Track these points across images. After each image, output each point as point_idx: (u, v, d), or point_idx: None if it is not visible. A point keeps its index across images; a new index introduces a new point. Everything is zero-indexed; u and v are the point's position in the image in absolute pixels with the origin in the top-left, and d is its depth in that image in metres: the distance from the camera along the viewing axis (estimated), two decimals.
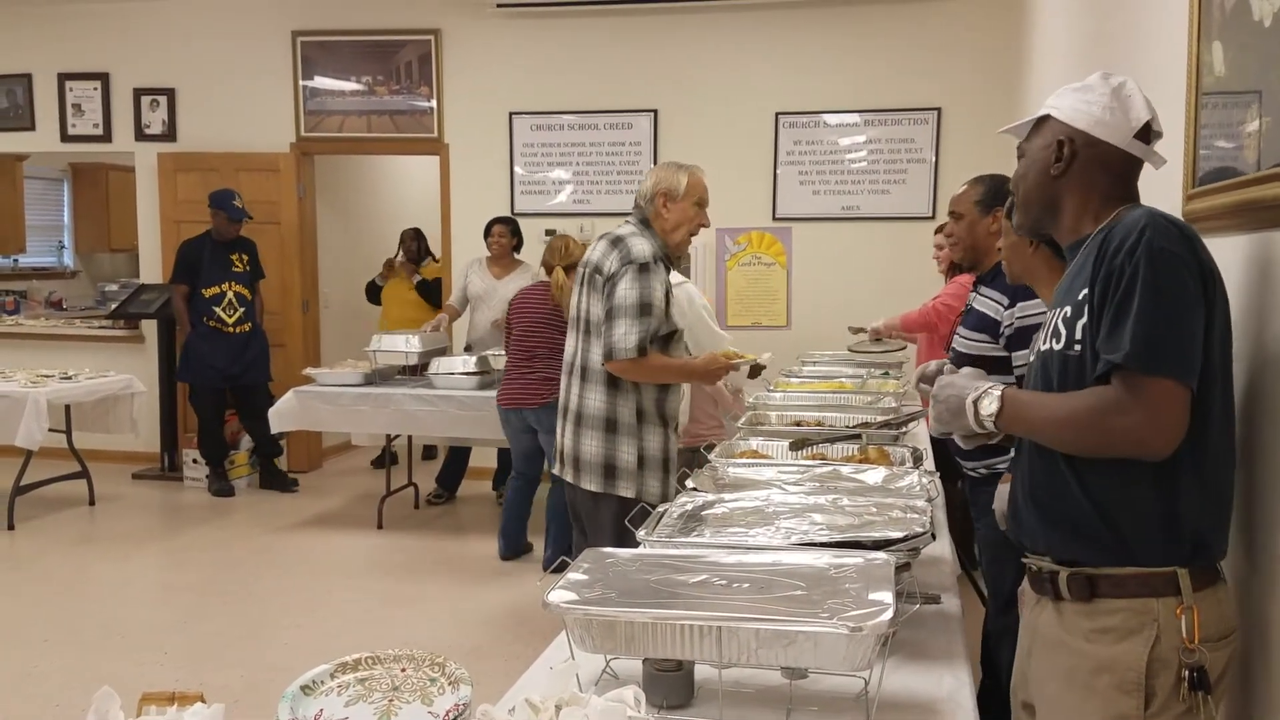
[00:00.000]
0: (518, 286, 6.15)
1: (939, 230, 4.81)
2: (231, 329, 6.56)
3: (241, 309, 6.60)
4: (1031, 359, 1.75)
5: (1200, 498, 1.54)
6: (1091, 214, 1.68)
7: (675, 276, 4.40)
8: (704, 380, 3.50)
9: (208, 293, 6.51)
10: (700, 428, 4.44)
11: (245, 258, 6.66)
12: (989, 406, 1.64)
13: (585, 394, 3.19)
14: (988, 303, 2.87)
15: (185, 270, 6.51)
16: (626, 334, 3.05)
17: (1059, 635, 1.63)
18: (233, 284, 6.58)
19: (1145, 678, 1.52)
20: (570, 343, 3.31)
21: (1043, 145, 1.71)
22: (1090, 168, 1.67)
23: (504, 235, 6.21)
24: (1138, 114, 1.65)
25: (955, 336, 3.01)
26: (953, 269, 4.65)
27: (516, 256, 6.33)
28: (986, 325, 2.83)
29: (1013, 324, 2.74)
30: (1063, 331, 1.60)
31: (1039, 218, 1.76)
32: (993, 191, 2.98)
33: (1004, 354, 2.75)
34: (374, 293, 7.33)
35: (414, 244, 7.20)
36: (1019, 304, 2.73)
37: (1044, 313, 2.73)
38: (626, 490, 3.14)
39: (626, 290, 3.07)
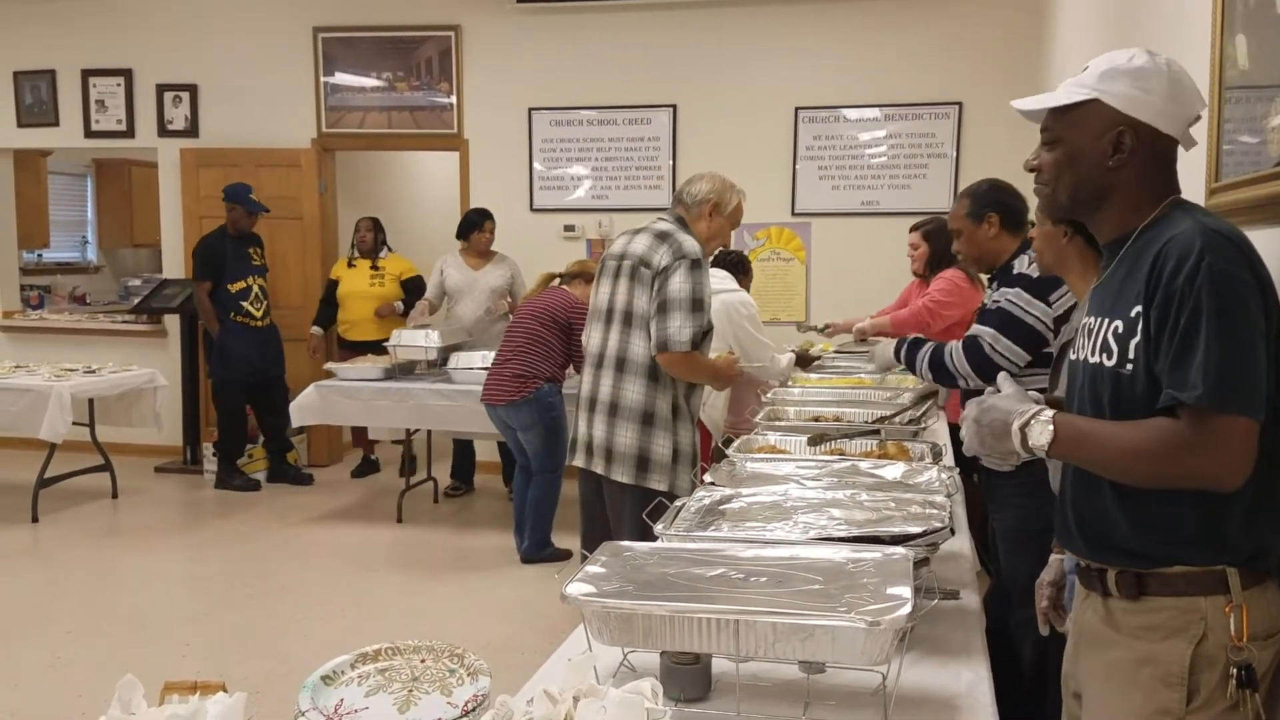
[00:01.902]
0: (498, 275, 6.24)
1: (914, 229, 4.80)
2: (259, 322, 6.60)
3: (265, 302, 6.64)
4: (1071, 359, 1.71)
5: (1250, 513, 1.50)
6: (1141, 209, 1.59)
7: (728, 283, 4.47)
8: (723, 383, 3.57)
9: (234, 288, 6.52)
10: (742, 419, 4.46)
11: (259, 251, 6.69)
12: (1041, 436, 1.54)
13: (623, 385, 3.20)
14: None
15: (211, 266, 6.49)
16: (681, 327, 3.08)
17: (1105, 631, 1.61)
18: (255, 278, 6.60)
19: (1189, 673, 1.50)
20: (598, 335, 3.32)
21: (1094, 134, 1.58)
22: (1149, 160, 1.58)
23: (493, 229, 6.25)
24: (1193, 102, 1.58)
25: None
26: (928, 267, 4.67)
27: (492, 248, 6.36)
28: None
29: (986, 304, 2.88)
30: (1114, 348, 1.54)
31: (1078, 207, 1.66)
32: (977, 200, 3.07)
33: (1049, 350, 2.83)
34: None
35: (370, 234, 6.81)
36: (1001, 289, 2.84)
37: (1011, 301, 2.79)
38: (659, 484, 3.15)
39: (680, 284, 3.10)
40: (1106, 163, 1.58)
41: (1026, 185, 6.06)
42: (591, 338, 3.36)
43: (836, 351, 5.13)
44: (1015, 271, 2.89)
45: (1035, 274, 2.83)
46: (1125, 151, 1.57)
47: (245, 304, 6.55)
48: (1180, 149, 1.64)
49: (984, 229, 3.03)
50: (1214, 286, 1.43)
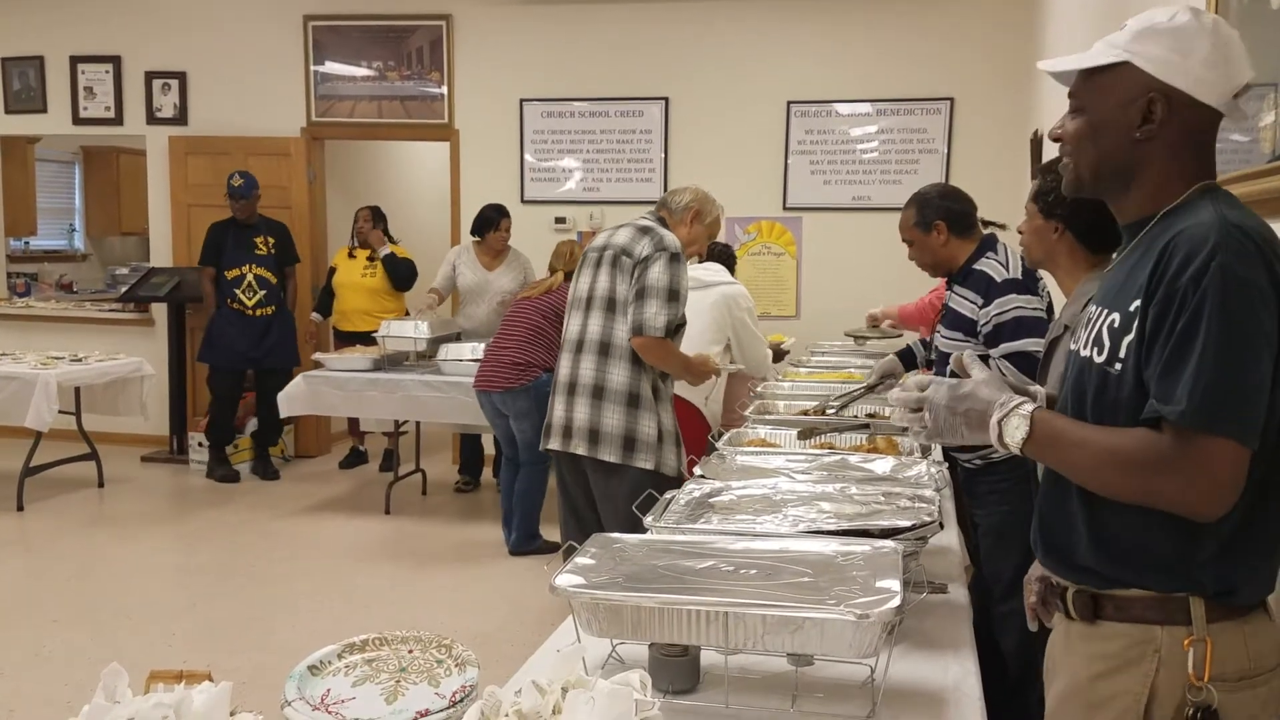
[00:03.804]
0: (510, 278, 6.11)
1: None
2: (252, 311, 6.55)
3: (262, 291, 6.57)
4: (1070, 348, 1.69)
5: (1225, 548, 1.34)
6: (1168, 191, 1.41)
7: (724, 275, 4.52)
8: (695, 379, 3.65)
9: (229, 275, 6.53)
10: (733, 414, 4.49)
11: (271, 240, 6.61)
12: (1016, 432, 1.41)
13: (608, 369, 3.31)
14: (963, 302, 2.96)
15: (209, 252, 6.54)
16: (657, 314, 3.22)
17: (1062, 654, 1.51)
18: (253, 266, 6.55)
19: (1144, 715, 1.36)
20: (577, 321, 3.42)
21: (1122, 101, 1.41)
22: (1181, 134, 1.39)
23: (509, 227, 6.14)
24: (1240, 71, 1.38)
25: (937, 336, 3.07)
26: None
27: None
28: (963, 324, 2.93)
29: (990, 321, 2.83)
30: (1106, 343, 1.38)
31: (1100, 184, 1.48)
32: (923, 208, 3.08)
33: (983, 351, 2.85)
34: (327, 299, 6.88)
35: (369, 225, 6.60)
36: (995, 300, 2.82)
37: (1019, 306, 2.79)
38: (646, 462, 3.26)
39: (659, 274, 3.25)
40: (1133, 134, 1.40)
41: (1017, 181, 6.08)
42: (571, 325, 3.46)
43: (846, 333, 5.18)
44: (999, 279, 2.88)
45: (1018, 275, 2.86)
46: (1155, 122, 1.39)
47: (238, 291, 6.53)
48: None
49: (934, 237, 3.04)
50: (1222, 290, 1.26)
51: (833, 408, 3.22)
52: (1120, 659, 1.38)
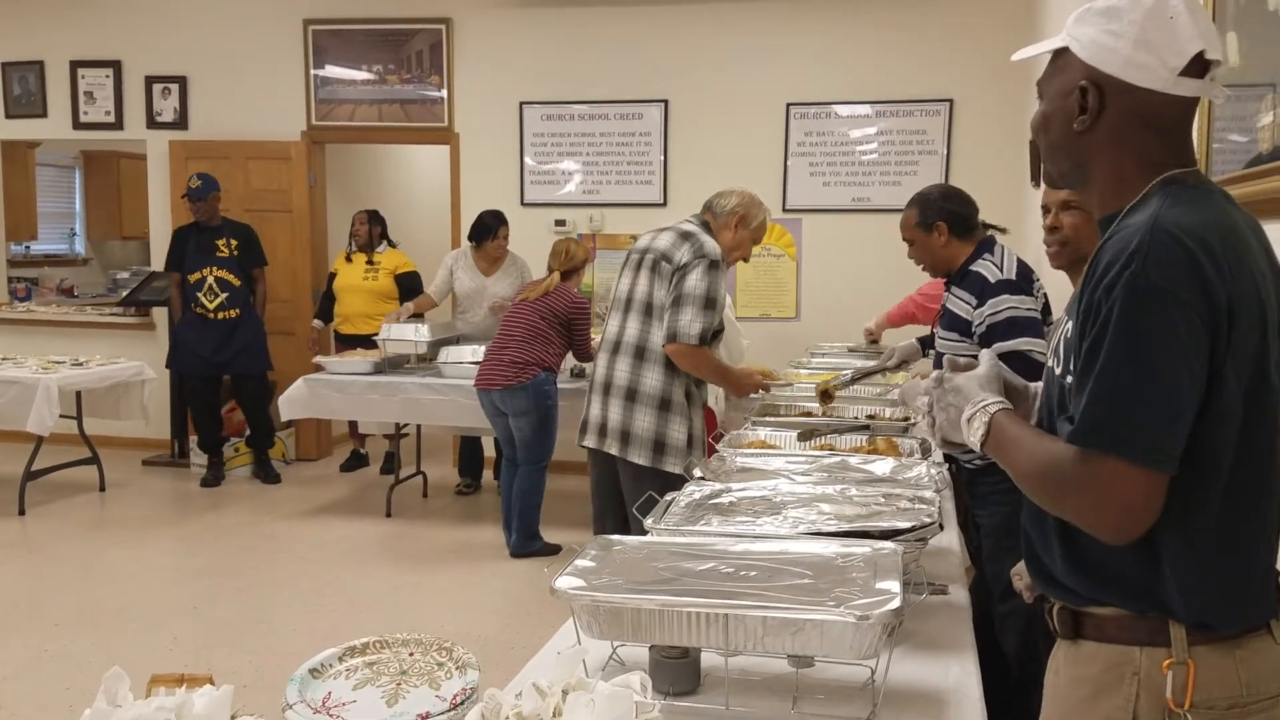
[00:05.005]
0: (507, 284, 6.07)
1: None
2: (213, 314, 6.45)
3: (224, 294, 6.45)
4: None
5: (1189, 571, 1.26)
6: (1128, 184, 1.31)
7: None
8: (734, 390, 3.68)
9: (192, 278, 6.46)
10: (736, 418, 4.52)
11: (234, 243, 6.51)
12: (976, 432, 1.38)
13: (642, 372, 3.35)
14: (958, 303, 2.97)
15: (173, 257, 6.51)
16: (692, 322, 3.24)
17: (1052, 674, 1.43)
18: (214, 269, 6.46)
19: None
20: (615, 323, 3.46)
21: (1063, 90, 1.33)
22: (1124, 123, 1.30)
23: (507, 235, 6.08)
24: (1182, 44, 1.25)
25: (936, 338, 3.09)
26: None
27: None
28: (958, 325, 2.94)
29: (984, 322, 2.83)
30: (1061, 353, 1.33)
31: (1065, 178, 1.41)
32: (925, 209, 3.08)
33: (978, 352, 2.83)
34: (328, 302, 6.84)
35: (365, 228, 6.62)
36: (989, 301, 2.82)
37: (1012, 307, 2.79)
38: (674, 467, 3.29)
39: (697, 281, 3.26)
40: (1073, 125, 1.32)
41: (1016, 182, 6.07)
42: (609, 325, 3.49)
43: (850, 349, 5.19)
44: (993, 280, 2.88)
45: (1012, 275, 2.86)
46: (1089, 112, 1.30)
47: (200, 295, 6.46)
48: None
49: (934, 237, 3.05)
50: (1131, 300, 1.18)
51: (845, 381, 3.27)
52: (1099, 682, 1.31)
